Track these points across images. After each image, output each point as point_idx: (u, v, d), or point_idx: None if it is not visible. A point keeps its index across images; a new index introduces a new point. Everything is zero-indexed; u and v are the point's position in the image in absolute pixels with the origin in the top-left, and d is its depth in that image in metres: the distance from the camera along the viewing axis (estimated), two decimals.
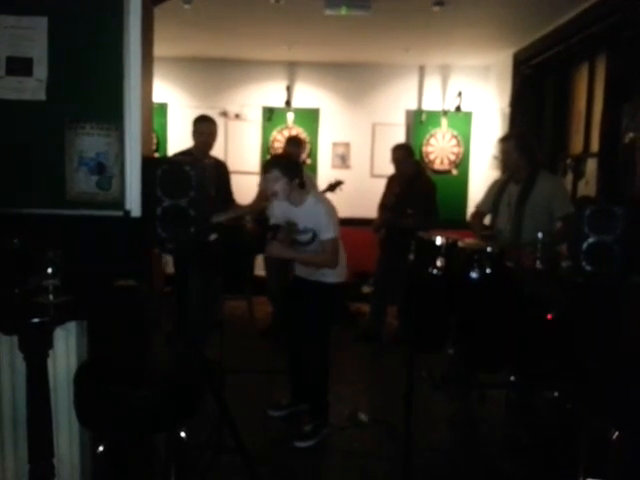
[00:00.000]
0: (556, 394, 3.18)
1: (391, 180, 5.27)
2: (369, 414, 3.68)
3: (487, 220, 4.07)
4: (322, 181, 6.01)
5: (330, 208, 3.31)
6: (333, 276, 3.35)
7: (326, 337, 3.44)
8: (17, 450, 2.42)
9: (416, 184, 5.02)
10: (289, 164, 3.31)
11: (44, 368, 2.20)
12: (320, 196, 3.56)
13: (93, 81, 2.88)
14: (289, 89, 7.12)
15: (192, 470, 2.80)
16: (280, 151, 5.97)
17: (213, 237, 3.60)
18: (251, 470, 2.75)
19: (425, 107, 7.10)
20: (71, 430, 2.44)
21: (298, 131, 7.05)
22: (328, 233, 3.21)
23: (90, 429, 2.32)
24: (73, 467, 2.46)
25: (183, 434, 2.23)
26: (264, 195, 4.89)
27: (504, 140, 3.91)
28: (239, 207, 4.46)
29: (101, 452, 2.23)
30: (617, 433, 2.20)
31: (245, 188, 5.46)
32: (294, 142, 5.18)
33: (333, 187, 5.13)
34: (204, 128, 4.16)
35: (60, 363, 2.39)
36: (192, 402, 2.19)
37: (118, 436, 2.34)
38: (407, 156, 5.15)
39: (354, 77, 7.13)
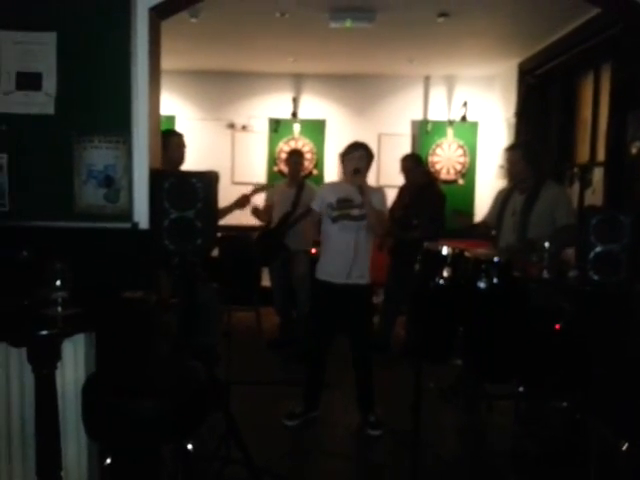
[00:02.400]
0: (565, 405, 3.16)
1: (402, 190, 5.28)
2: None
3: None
4: None
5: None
6: (366, 278, 3.64)
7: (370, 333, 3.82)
8: (25, 462, 2.42)
9: (427, 193, 5.04)
10: (370, 150, 3.78)
11: (52, 380, 2.21)
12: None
13: (101, 95, 2.90)
14: (295, 101, 7.15)
15: None
16: (284, 162, 6.01)
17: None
18: None
19: (431, 117, 7.12)
20: (79, 442, 2.44)
21: (304, 142, 7.08)
22: (386, 208, 3.80)
23: (98, 441, 2.32)
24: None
25: (190, 446, 2.22)
26: (269, 209, 4.99)
27: (510, 150, 3.91)
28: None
29: (108, 464, 2.23)
30: (627, 444, 2.18)
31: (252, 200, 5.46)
32: (295, 155, 5.30)
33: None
34: (180, 141, 3.85)
35: (68, 375, 2.40)
36: (199, 414, 2.20)
37: (126, 448, 2.34)
38: (416, 165, 5.19)
39: (359, 88, 7.16)
